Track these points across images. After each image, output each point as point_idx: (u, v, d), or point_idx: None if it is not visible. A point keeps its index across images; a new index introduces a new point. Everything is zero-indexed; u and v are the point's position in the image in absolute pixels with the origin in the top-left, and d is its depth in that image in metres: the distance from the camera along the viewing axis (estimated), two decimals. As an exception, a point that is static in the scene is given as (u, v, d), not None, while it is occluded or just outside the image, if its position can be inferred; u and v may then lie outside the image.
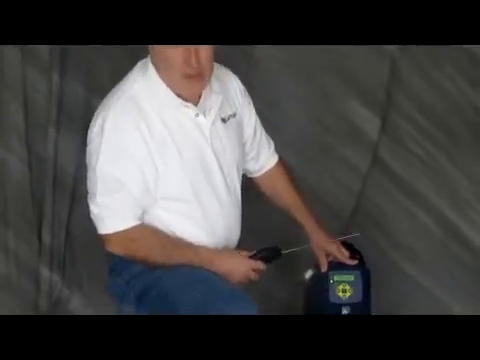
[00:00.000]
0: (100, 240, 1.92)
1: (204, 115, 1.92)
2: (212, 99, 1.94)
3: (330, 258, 2.10)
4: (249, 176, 2.19)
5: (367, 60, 2.71)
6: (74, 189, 2.65)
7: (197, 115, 1.91)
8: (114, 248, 1.90)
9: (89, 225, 1.96)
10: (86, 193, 1.93)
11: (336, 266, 2.10)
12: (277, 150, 2.20)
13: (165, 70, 1.87)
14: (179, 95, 1.89)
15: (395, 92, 2.77)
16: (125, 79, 1.94)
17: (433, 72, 2.75)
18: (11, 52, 2.52)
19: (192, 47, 1.81)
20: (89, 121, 1.93)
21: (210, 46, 1.86)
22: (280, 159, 2.20)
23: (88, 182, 1.90)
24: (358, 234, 2.13)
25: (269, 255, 1.99)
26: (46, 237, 2.66)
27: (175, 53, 1.82)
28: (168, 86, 1.88)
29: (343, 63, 2.72)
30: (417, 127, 2.81)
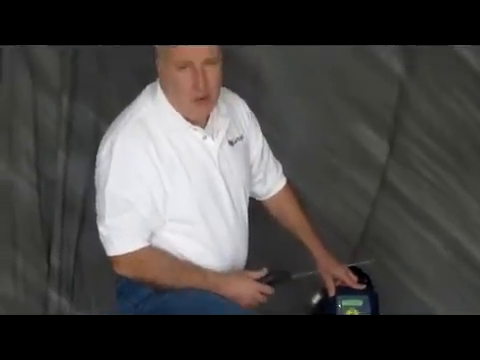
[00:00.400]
0: (109, 263, 1.93)
1: (212, 138, 1.93)
2: (220, 122, 1.96)
3: (338, 282, 2.09)
4: (257, 199, 2.20)
5: (375, 83, 2.72)
6: (83, 212, 2.66)
7: (205, 137, 1.92)
8: (123, 270, 1.90)
9: (98, 248, 1.96)
10: (95, 216, 1.94)
11: (344, 291, 2.08)
12: (285, 173, 2.20)
13: (173, 93, 1.88)
14: (187, 118, 1.90)
15: (403, 115, 2.77)
16: (134, 102, 1.96)
17: (441, 95, 2.75)
18: (22, 77, 2.55)
19: (200, 70, 1.83)
20: (98, 145, 1.95)
21: (218, 69, 1.87)
22: (288, 182, 2.20)
23: (97, 204, 1.91)
24: (368, 261, 2.11)
25: (278, 278, 1.98)
26: (55, 260, 2.66)
27: (183, 77, 1.84)
28: (177, 109, 1.90)
29: (351, 86, 2.73)
30: (425, 150, 2.80)
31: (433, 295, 2.80)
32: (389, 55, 2.69)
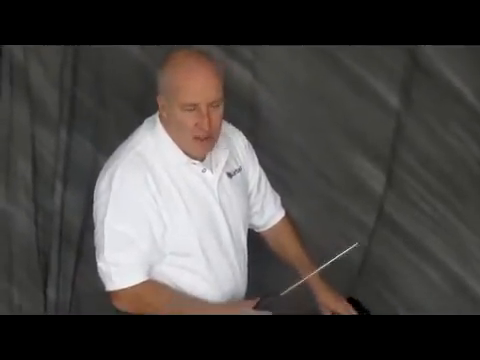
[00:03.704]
0: (106, 295, 1.91)
1: (211, 170, 1.93)
2: (219, 155, 1.96)
3: None
4: (256, 231, 2.19)
5: (372, 116, 2.74)
6: (80, 244, 2.65)
7: (204, 170, 1.92)
8: (122, 305, 1.89)
9: (95, 280, 1.95)
10: (92, 248, 1.93)
11: None
12: (282, 205, 2.20)
13: (176, 131, 1.88)
14: (186, 152, 1.90)
15: (400, 148, 2.78)
16: (132, 135, 1.96)
17: (437, 128, 2.76)
18: (20, 109, 2.55)
19: (205, 112, 1.83)
20: (96, 176, 1.94)
21: (221, 110, 1.88)
22: (287, 214, 2.20)
23: (95, 238, 1.90)
24: (357, 244, 2.06)
25: (272, 302, 1.97)
26: (51, 292, 2.64)
27: (188, 116, 1.83)
28: (177, 145, 1.90)
29: (348, 119, 2.75)
30: (422, 182, 2.81)
31: (431, 328, 2.79)
32: (386, 88, 2.71)
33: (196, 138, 1.86)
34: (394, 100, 2.72)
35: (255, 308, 1.93)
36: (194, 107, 1.82)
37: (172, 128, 1.89)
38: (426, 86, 2.70)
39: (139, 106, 2.53)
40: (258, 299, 1.93)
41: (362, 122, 2.74)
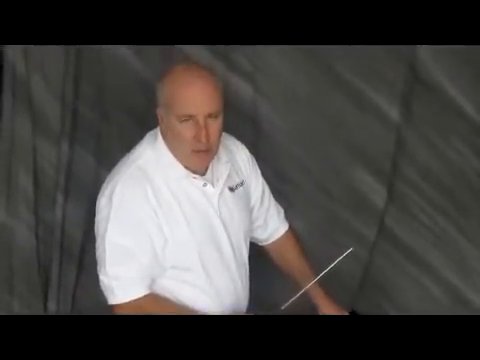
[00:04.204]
0: (107, 308, 1.91)
1: (212, 185, 1.93)
2: (220, 169, 1.96)
3: None
4: (259, 244, 2.19)
5: (373, 129, 2.74)
6: (81, 257, 2.65)
7: (205, 185, 1.92)
8: None
9: (95, 293, 1.95)
10: (93, 261, 1.92)
11: None
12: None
13: (174, 143, 1.88)
14: (187, 167, 1.90)
15: (401, 162, 2.79)
16: (134, 149, 1.96)
17: (438, 142, 2.76)
18: (22, 122, 2.56)
19: (203, 123, 1.82)
20: (97, 189, 1.94)
21: (220, 122, 1.87)
22: (290, 228, 2.20)
23: (97, 252, 1.90)
24: (351, 249, 2.05)
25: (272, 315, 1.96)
26: (52, 305, 2.64)
27: (185, 128, 1.83)
28: (177, 158, 1.89)
29: (349, 132, 2.75)
30: (423, 196, 2.81)
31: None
32: (386, 102, 2.71)
33: (195, 151, 1.86)
34: (395, 114, 2.73)
35: None
36: (191, 118, 1.82)
37: (171, 141, 1.89)
38: (426, 100, 2.71)
39: (141, 119, 2.53)
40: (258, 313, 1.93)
41: (363, 136, 2.75)
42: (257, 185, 2.10)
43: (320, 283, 2.11)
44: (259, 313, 1.90)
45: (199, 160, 1.89)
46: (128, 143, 2.01)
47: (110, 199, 1.85)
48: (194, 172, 1.91)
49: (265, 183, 2.13)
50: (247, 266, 2.02)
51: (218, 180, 1.94)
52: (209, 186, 1.92)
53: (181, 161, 1.89)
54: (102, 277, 1.87)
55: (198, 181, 1.91)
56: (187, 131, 1.84)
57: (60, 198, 2.61)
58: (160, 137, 1.92)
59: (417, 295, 2.86)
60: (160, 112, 1.89)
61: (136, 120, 2.58)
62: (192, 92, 1.82)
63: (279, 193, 2.23)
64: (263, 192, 2.12)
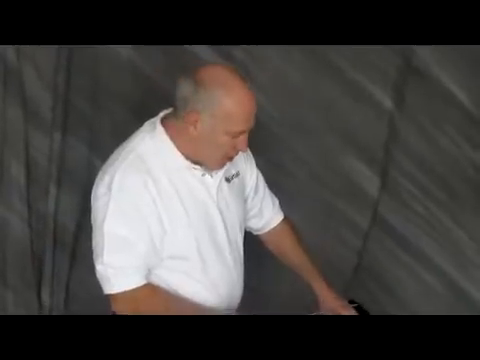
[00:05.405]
0: (101, 299, 1.91)
1: (211, 175, 1.92)
2: None
3: None
4: (254, 233, 2.19)
5: (366, 118, 2.74)
6: (74, 248, 2.65)
7: (204, 175, 1.91)
8: (120, 308, 1.87)
9: (89, 284, 1.94)
10: (86, 252, 1.91)
11: None
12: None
13: (206, 149, 1.85)
14: (187, 157, 1.88)
15: (394, 150, 2.79)
16: (131, 138, 1.92)
17: (431, 130, 2.77)
18: (14, 112, 2.55)
19: (247, 136, 1.83)
20: (90, 180, 1.92)
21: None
22: (286, 218, 2.20)
23: (94, 241, 1.87)
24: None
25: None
26: (45, 296, 2.64)
27: (230, 141, 1.82)
28: (195, 158, 1.87)
29: (342, 122, 2.75)
30: (417, 184, 2.82)
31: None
32: (380, 91, 2.71)
33: (227, 157, 1.87)
34: (388, 103, 2.73)
35: None
36: (241, 133, 1.83)
37: (199, 144, 1.84)
38: (420, 89, 2.71)
39: (133, 109, 2.53)
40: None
41: (356, 125, 2.75)
42: (252, 175, 2.10)
43: (320, 271, 2.12)
44: (259, 313, 1.90)
45: (223, 164, 1.90)
46: (121, 133, 1.99)
47: (109, 187, 1.82)
48: (195, 163, 1.89)
49: (259, 173, 2.13)
50: (242, 255, 2.02)
51: (216, 171, 1.94)
52: (207, 176, 1.91)
53: (203, 162, 1.87)
54: (99, 266, 1.85)
55: (197, 171, 1.90)
56: (231, 142, 1.83)
57: (53, 189, 2.61)
58: (160, 127, 1.88)
59: (410, 283, 2.87)
60: (193, 115, 1.80)
61: (129, 110, 2.58)
62: (249, 110, 1.80)
63: (274, 183, 2.22)
64: (257, 182, 2.12)
